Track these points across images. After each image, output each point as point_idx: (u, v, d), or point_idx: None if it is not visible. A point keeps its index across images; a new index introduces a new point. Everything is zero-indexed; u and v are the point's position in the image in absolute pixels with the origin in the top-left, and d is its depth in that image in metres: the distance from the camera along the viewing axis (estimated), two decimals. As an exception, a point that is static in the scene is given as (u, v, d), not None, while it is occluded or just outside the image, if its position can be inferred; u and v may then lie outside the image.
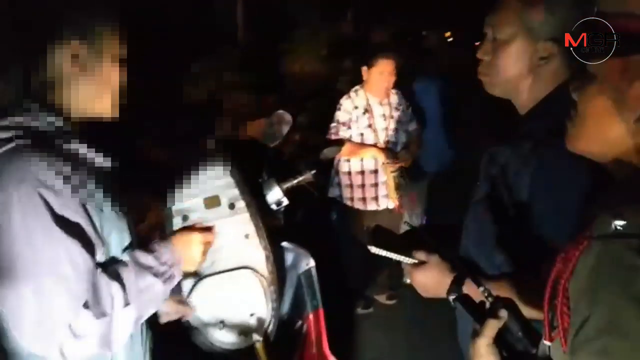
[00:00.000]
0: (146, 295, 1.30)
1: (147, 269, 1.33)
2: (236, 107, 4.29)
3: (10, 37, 1.19)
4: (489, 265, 1.29)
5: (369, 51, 3.61)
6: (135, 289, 1.27)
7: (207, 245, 1.59)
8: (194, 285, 1.76)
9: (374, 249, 1.28)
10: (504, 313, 0.94)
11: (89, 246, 1.19)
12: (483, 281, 1.08)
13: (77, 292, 1.15)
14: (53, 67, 1.20)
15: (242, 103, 4.47)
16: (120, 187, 1.35)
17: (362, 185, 3.56)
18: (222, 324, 1.76)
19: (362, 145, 3.50)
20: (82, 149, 1.26)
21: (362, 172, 3.54)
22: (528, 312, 1.05)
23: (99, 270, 1.24)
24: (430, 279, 1.27)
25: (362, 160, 3.52)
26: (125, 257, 1.33)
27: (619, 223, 0.75)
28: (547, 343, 0.90)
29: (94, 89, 1.26)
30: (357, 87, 3.59)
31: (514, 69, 1.26)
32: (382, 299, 3.99)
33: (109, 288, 1.22)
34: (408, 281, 1.35)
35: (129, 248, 1.38)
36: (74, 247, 1.15)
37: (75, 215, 1.16)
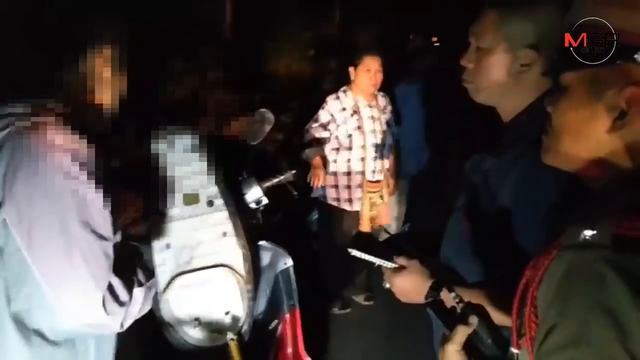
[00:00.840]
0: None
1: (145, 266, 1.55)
2: (219, 106, 4.26)
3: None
4: (468, 273, 1.30)
5: (355, 50, 3.62)
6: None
7: None
8: (169, 282, 1.75)
9: (354, 252, 1.29)
10: (473, 319, 0.95)
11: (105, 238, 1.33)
12: (456, 287, 1.08)
13: (110, 254, 1.31)
14: (85, 67, 1.34)
15: (225, 102, 4.44)
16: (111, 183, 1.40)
17: (349, 187, 3.56)
18: (197, 321, 1.75)
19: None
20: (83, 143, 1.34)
21: (349, 173, 3.55)
22: (500, 319, 1.06)
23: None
24: (409, 284, 1.28)
25: (348, 161, 3.53)
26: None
27: (588, 233, 0.76)
28: (515, 351, 0.91)
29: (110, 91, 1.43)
30: (344, 87, 3.58)
31: (496, 76, 1.28)
32: (360, 299, 4.01)
33: (131, 278, 1.42)
34: (387, 286, 1.36)
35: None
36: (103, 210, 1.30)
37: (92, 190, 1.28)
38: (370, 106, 3.57)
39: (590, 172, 0.87)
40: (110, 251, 1.33)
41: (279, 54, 7.38)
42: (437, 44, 6.92)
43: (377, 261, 1.30)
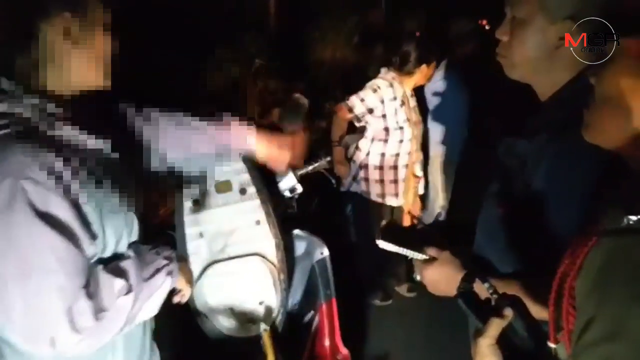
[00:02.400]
0: (148, 286, 1.27)
1: (149, 262, 1.31)
2: (261, 94, 4.26)
3: None
4: (502, 262, 1.23)
5: (432, 49, 3.47)
6: (138, 278, 1.24)
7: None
8: (203, 270, 1.74)
9: (382, 244, 1.24)
10: (508, 311, 0.88)
11: (76, 240, 1.13)
12: (490, 278, 1.02)
13: (67, 286, 1.10)
14: (45, 45, 1.14)
15: (268, 90, 4.43)
16: (122, 174, 1.29)
17: (395, 181, 3.47)
18: (230, 311, 1.73)
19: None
20: (75, 133, 1.19)
21: (396, 167, 3.45)
22: (538, 312, 0.98)
23: (98, 264, 1.20)
24: (440, 275, 1.21)
25: (397, 155, 3.42)
26: (128, 251, 1.29)
27: (631, 218, 0.70)
28: (553, 345, 0.84)
29: (86, 62, 1.20)
30: (392, 75, 3.42)
31: (532, 50, 1.19)
32: (402, 290, 3.93)
33: (109, 280, 1.18)
34: (418, 277, 1.30)
35: (136, 241, 1.34)
36: (58, 242, 1.09)
37: (60, 209, 1.10)
38: (412, 96, 3.48)
39: (634, 151, 0.79)
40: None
41: (322, 41, 7.33)
42: (487, 27, 6.66)
43: (407, 253, 1.24)
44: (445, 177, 4.31)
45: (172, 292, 1.44)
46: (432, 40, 3.51)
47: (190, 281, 1.49)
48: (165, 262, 1.34)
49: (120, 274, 1.21)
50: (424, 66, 3.35)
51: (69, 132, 1.18)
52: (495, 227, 1.24)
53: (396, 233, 1.27)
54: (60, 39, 1.16)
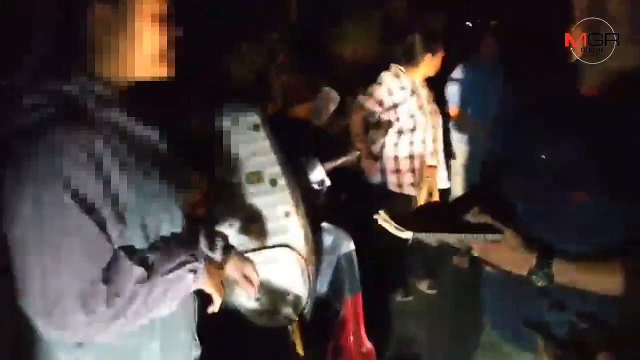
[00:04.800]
0: (165, 280, 1.23)
1: (174, 255, 1.26)
2: (285, 88, 4.27)
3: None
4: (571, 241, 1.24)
5: (435, 38, 3.47)
6: (158, 270, 1.22)
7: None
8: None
9: (419, 235, 1.22)
10: None
11: (104, 223, 1.13)
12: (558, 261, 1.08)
13: (85, 268, 1.11)
14: (88, 32, 1.16)
15: (292, 84, 4.44)
16: (168, 162, 1.28)
17: (412, 170, 3.46)
18: (259, 301, 1.75)
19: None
20: (123, 118, 1.20)
21: (412, 157, 3.44)
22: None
23: (120, 250, 1.18)
24: (510, 255, 1.22)
25: (411, 144, 3.42)
26: (157, 242, 1.26)
27: None
28: None
29: (128, 53, 1.21)
30: (398, 67, 3.44)
31: None
32: (423, 287, 3.93)
33: (129, 268, 1.17)
34: (476, 254, 1.28)
35: (174, 230, 1.31)
36: (86, 224, 1.10)
37: (93, 190, 1.11)
38: (423, 87, 3.49)
39: None
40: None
41: (343, 37, 7.31)
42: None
43: (470, 237, 1.21)
44: (470, 176, 4.29)
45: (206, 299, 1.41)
46: (435, 30, 3.51)
47: (221, 285, 1.42)
48: (190, 258, 1.29)
49: (142, 262, 1.20)
50: (428, 55, 3.36)
51: (116, 116, 1.19)
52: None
53: (408, 220, 1.26)
54: (99, 27, 1.17)
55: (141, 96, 1.29)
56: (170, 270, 1.24)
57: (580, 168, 1.22)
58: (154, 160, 1.24)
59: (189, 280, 1.28)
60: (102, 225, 1.13)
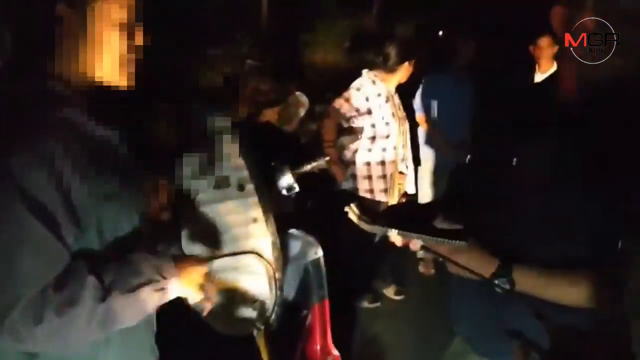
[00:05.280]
0: (127, 297, 1.15)
1: (139, 273, 1.19)
2: (254, 93, 4.24)
3: None
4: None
5: (412, 46, 3.52)
6: (117, 285, 1.14)
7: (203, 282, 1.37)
8: (198, 267, 1.72)
9: (384, 230, 1.23)
10: None
11: (57, 227, 1.08)
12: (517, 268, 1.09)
13: (35, 274, 1.06)
14: (47, 33, 1.15)
15: (261, 89, 4.42)
16: (127, 164, 1.25)
17: (384, 176, 3.48)
18: (224, 309, 1.71)
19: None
20: (83, 119, 1.17)
21: (383, 163, 3.46)
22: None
23: (79, 258, 1.13)
24: (471, 261, 1.23)
25: (384, 150, 3.44)
26: (126, 255, 1.20)
27: None
28: None
29: (88, 56, 1.19)
30: (373, 72, 3.47)
31: None
32: (389, 293, 3.94)
33: (84, 278, 1.10)
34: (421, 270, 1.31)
35: (135, 235, 1.26)
36: (37, 228, 1.05)
37: (45, 192, 1.06)
38: (395, 94, 3.53)
39: None
40: None
41: (314, 43, 7.33)
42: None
43: (436, 240, 1.22)
44: (436, 183, 4.31)
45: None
46: (413, 38, 3.57)
47: (203, 283, 1.35)
48: (156, 277, 1.21)
49: (101, 275, 1.13)
50: (406, 63, 3.41)
51: (76, 115, 1.16)
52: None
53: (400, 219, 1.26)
54: (62, 29, 1.15)
55: (103, 98, 1.26)
56: (133, 289, 1.16)
57: (549, 174, 1.24)
58: (113, 162, 1.20)
59: (154, 300, 1.21)
60: (56, 230, 1.08)
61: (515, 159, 1.32)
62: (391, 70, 3.41)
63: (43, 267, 1.07)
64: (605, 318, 1.13)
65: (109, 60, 1.21)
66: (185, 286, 1.29)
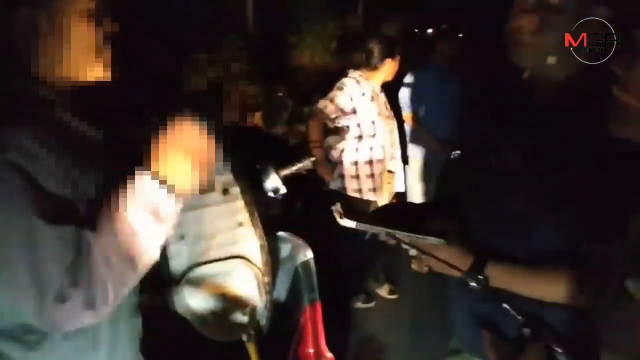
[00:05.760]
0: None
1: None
2: (241, 97, 4.23)
3: None
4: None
5: (394, 43, 3.51)
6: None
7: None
8: (184, 273, 1.69)
9: (363, 226, 1.23)
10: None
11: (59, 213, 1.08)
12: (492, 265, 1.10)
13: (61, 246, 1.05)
14: (17, 36, 1.14)
15: (247, 92, 4.41)
16: (112, 166, 1.22)
17: (372, 175, 3.47)
18: (213, 315, 1.69)
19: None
20: (66, 117, 1.18)
21: (371, 162, 3.45)
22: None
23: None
24: (448, 257, 1.24)
25: (371, 149, 3.43)
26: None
27: None
28: None
29: (61, 52, 1.18)
30: (357, 72, 3.46)
31: None
32: (383, 293, 3.92)
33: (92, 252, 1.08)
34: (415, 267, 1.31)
35: None
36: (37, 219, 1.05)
37: (26, 190, 1.06)
38: (380, 92, 3.52)
39: None
40: None
41: (302, 45, 7.32)
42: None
43: (419, 237, 1.22)
44: (425, 180, 4.31)
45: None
46: (394, 35, 3.57)
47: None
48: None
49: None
50: (388, 60, 3.40)
51: (59, 114, 1.17)
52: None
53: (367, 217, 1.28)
54: (29, 31, 1.15)
55: (88, 99, 1.27)
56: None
57: (526, 172, 1.23)
58: (97, 160, 1.20)
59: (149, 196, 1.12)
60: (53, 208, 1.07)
61: (493, 157, 1.32)
62: (374, 67, 3.41)
63: (62, 241, 1.05)
64: (579, 313, 1.12)
65: (83, 52, 1.20)
66: (166, 168, 1.16)
